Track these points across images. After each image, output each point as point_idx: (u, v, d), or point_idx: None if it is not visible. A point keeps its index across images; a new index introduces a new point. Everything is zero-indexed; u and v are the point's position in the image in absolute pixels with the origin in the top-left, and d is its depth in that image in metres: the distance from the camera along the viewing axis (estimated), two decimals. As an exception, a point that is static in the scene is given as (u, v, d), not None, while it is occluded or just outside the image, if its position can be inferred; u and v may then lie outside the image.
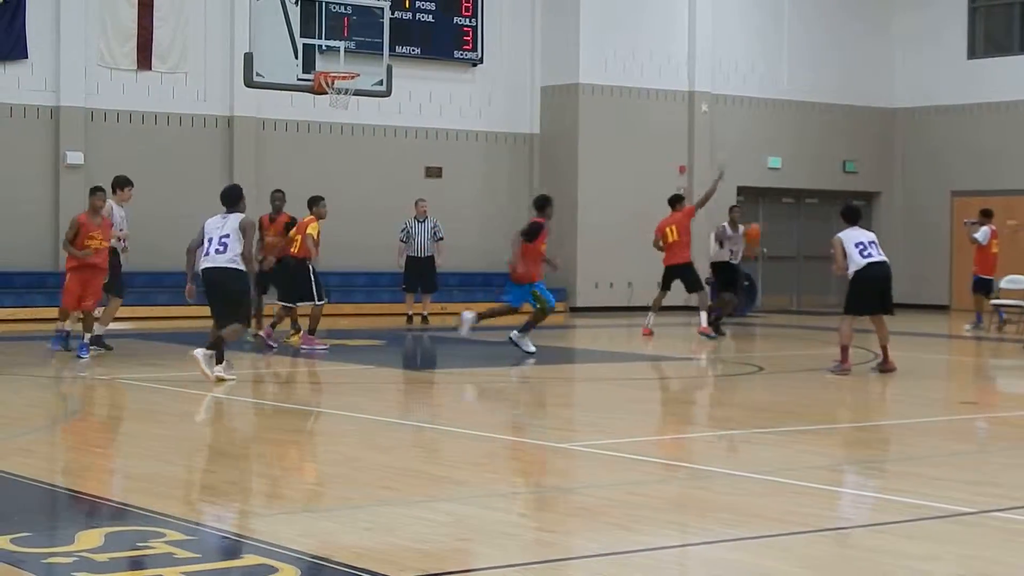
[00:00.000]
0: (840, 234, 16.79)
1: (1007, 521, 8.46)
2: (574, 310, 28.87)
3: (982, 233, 25.07)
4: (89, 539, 7.42)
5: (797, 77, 31.84)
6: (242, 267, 15.08)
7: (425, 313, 25.09)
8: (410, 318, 25.00)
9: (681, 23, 30.27)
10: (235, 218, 15.19)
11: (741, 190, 31.09)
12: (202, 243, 15.27)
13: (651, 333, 22.53)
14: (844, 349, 16.75)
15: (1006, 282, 25.15)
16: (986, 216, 25.44)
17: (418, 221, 25.21)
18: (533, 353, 18.86)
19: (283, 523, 8.14)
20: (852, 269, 16.59)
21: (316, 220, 19.85)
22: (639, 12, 29.81)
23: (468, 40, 29.06)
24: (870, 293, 16.63)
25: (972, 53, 32.25)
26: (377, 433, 12.37)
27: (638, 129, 29.70)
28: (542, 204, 19.65)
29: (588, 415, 13.96)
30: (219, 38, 26.69)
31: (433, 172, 28.84)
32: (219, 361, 14.87)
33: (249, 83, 21.48)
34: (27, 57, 25.32)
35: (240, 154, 26.99)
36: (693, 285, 22.45)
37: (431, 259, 25.08)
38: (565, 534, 8.08)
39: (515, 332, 19.33)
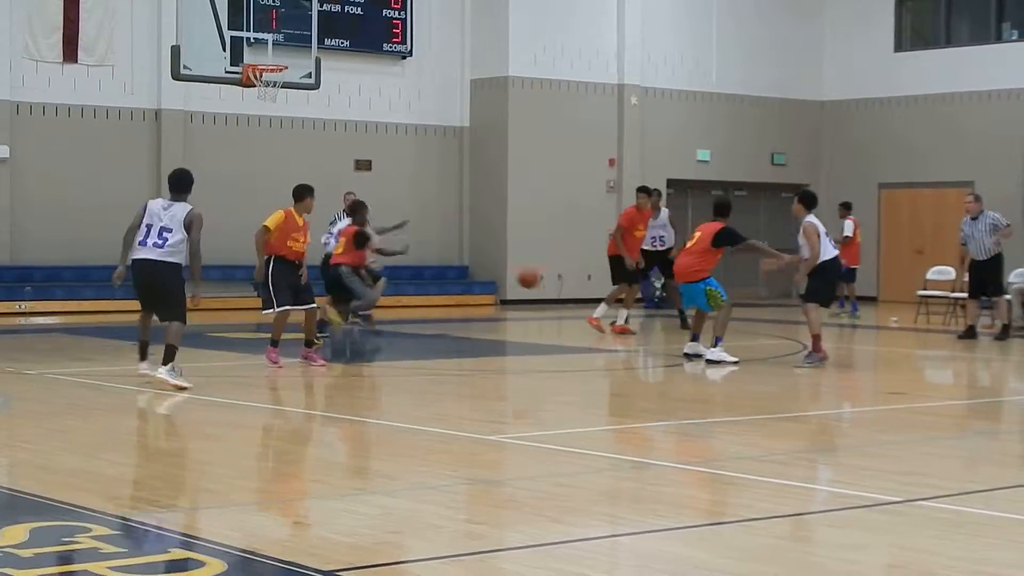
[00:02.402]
0: (810, 219, 16.80)
1: (934, 510, 8.53)
2: (504, 303, 28.88)
3: (847, 226, 25.72)
4: (14, 534, 7.33)
5: (726, 70, 31.98)
6: (179, 261, 14.08)
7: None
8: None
9: (610, 16, 30.33)
10: (181, 209, 14.09)
11: (671, 183, 31.19)
12: (139, 226, 14.11)
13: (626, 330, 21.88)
14: (817, 338, 16.75)
15: (933, 273, 25.38)
16: (846, 209, 26.12)
17: (346, 214, 25.07)
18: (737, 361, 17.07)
19: (211, 517, 8.08)
20: (823, 258, 16.65)
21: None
22: (568, 5, 29.84)
23: (397, 33, 28.99)
24: (833, 283, 16.87)
25: (899, 46, 32.50)
26: (307, 427, 12.32)
27: (568, 122, 29.74)
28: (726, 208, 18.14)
29: (518, 407, 13.95)
30: (146, 30, 26.48)
31: (363, 165, 28.76)
32: (164, 362, 14.54)
33: (177, 76, 21.36)
34: (-49, 50, 25.06)
35: (168, 147, 26.80)
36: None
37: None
38: (495, 526, 8.07)
39: (711, 350, 17.11)
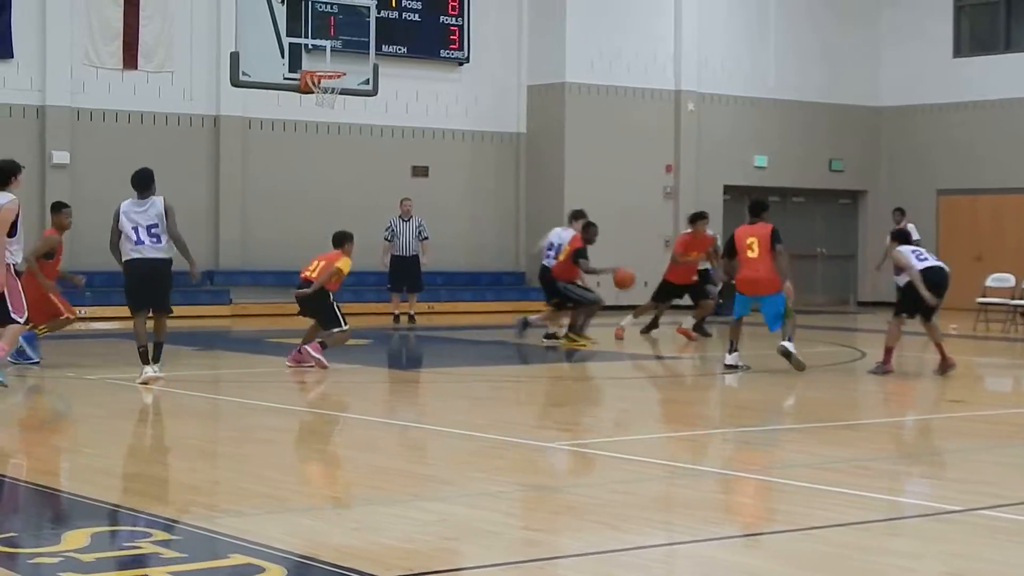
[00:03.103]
0: (898, 249, 17.14)
1: (993, 519, 8.48)
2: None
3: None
4: (75, 539, 7.40)
5: (783, 75, 31.88)
6: (171, 256, 14.82)
7: (412, 312, 25.06)
8: (396, 317, 24.99)
9: (667, 21, 30.29)
10: (157, 204, 14.71)
11: (727, 189, 31.15)
12: (120, 231, 14.72)
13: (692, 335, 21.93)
14: (889, 351, 16.63)
15: (992, 280, 25.21)
16: (901, 214, 26.47)
17: (403, 220, 25.18)
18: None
19: (270, 523, 8.13)
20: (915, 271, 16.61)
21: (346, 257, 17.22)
22: (625, 11, 29.82)
23: (454, 39, 29.07)
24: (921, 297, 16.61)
25: (958, 52, 32.30)
26: (364, 432, 12.37)
27: (624, 128, 29.72)
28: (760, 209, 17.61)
29: (575, 414, 13.96)
30: (205, 37, 26.67)
31: (420, 171, 28.84)
32: (155, 360, 14.85)
33: (235, 82, 21.47)
34: (13, 56, 25.31)
35: (226, 153, 26.98)
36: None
37: (416, 258, 25.03)
38: (551, 533, 8.08)
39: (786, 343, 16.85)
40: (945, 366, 16.52)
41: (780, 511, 8.79)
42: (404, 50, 28.45)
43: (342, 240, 17.06)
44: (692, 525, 8.36)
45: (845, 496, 9.07)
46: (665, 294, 21.99)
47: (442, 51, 29.02)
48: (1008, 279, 24.80)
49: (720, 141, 30.88)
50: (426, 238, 25.14)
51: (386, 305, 25.41)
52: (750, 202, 17.77)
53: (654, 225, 29.86)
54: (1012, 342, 21.53)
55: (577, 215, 21.29)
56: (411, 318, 24.93)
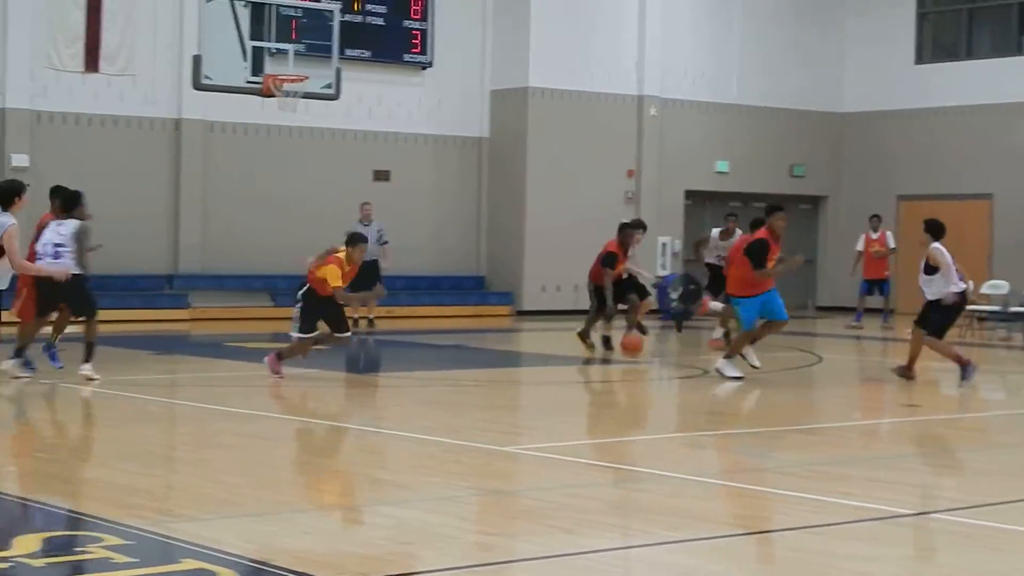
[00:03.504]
0: (937, 246, 16.40)
1: (948, 523, 8.52)
2: (520, 313, 28.89)
3: (860, 241, 26.39)
4: (26, 544, 7.35)
5: (747, 82, 31.96)
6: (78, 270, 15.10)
7: (371, 316, 25.01)
8: (355, 321, 24.95)
9: (631, 27, 30.32)
10: (72, 225, 15.20)
11: (689, 194, 31.21)
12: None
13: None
14: (912, 362, 16.40)
15: (987, 287, 25.25)
16: (878, 220, 26.26)
17: (363, 224, 25.13)
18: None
19: (224, 527, 8.10)
20: (954, 290, 16.22)
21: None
22: (589, 16, 29.85)
23: (417, 43, 29.03)
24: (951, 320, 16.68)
25: (920, 59, 32.45)
26: (321, 437, 12.34)
27: (587, 133, 29.74)
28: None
29: (531, 418, 13.96)
30: (167, 40, 26.55)
31: (381, 175, 28.78)
32: (87, 360, 14.94)
33: (198, 86, 21.42)
34: (-28, 59, 25.17)
35: (187, 157, 26.86)
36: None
37: (375, 263, 24.97)
38: (507, 537, 8.08)
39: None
40: (967, 370, 16.23)
41: (736, 515, 8.81)
42: (368, 54, 28.39)
43: (347, 242, 16.12)
44: (647, 529, 8.37)
45: (801, 500, 9.10)
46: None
47: (405, 55, 28.99)
48: (968, 285, 24.84)
49: (682, 146, 30.94)
50: (386, 243, 25.08)
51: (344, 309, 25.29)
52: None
53: (615, 230, 29.80)
54: (969, 347, 21.62)
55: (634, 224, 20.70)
56: (370, 322, 24.88)
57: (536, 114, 29.39)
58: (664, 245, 30.38)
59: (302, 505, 9.02)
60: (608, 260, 19.74)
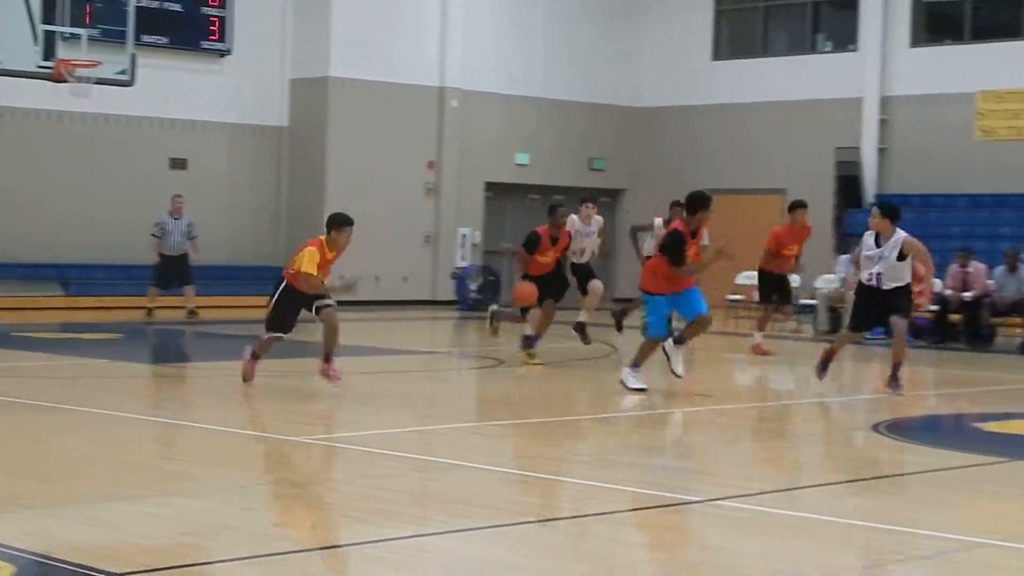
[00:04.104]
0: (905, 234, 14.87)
1: (733, 509, 8.66)
2: (320, 304, 28.68)
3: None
4: None
5: (548, 75, 32.16)
6: None
7: (191, 307, 24.60)
8: (150, 311, 24.62)
9: (434, 18, 30.31)
10: None
11: (489, 186, 31.32)
12: None
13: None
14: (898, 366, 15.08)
15: (742, 278, 25.75)
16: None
17: (173, 218, 24.81)
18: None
19: (5, 522, 7.89)
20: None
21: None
22: (391, 6, 29.76)
23: (216, 30, 28.66)
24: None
25: (717, 56, 33.01)
26: (112, 428, 12.11)
27: (388, 124, 29.66)
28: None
29: (328, 408, 13.88)
30: (-45, 22, 25.83)
31: (178, 163, 28.36)
32: None
33: (-15, 69, 20.91)
34: None
35: (-24, 142, 26.20)
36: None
37: (185, 256, 24.74)
38: (296, 527, 8.02)
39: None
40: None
41: (526, 503, 8.85)
42: (165, 40, 27.93)
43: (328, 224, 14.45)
44: (440, 518, 8.37)
45: (592, 488, 9.18)
46: (769, 289, 20.48)
47: (203, 42, 28.58)
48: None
49: (483, 138, 31.04)
50: (195, 237, 24.84)
51: (144, 299, 24.93)
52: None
53: (416, 221, 29.90)
54: (769, 338, 22.01)
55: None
56: (191, 312, 24.49)
57: (336, 104, 29.23)
58: (464, 236, 30.44)
59: (88, 497, 8.83)
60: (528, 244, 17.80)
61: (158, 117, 28.16)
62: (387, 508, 8.51)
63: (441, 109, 30.46)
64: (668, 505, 8.77)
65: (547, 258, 17.53)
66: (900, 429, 12.75)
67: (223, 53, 28.82)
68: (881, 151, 30.66)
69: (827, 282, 24.87)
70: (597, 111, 32.99)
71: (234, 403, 13.73)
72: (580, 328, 18.75)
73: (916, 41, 30.55)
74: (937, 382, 17.20)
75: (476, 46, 30.95)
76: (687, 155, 32.68)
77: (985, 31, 30.20)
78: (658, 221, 20.62)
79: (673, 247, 14.55)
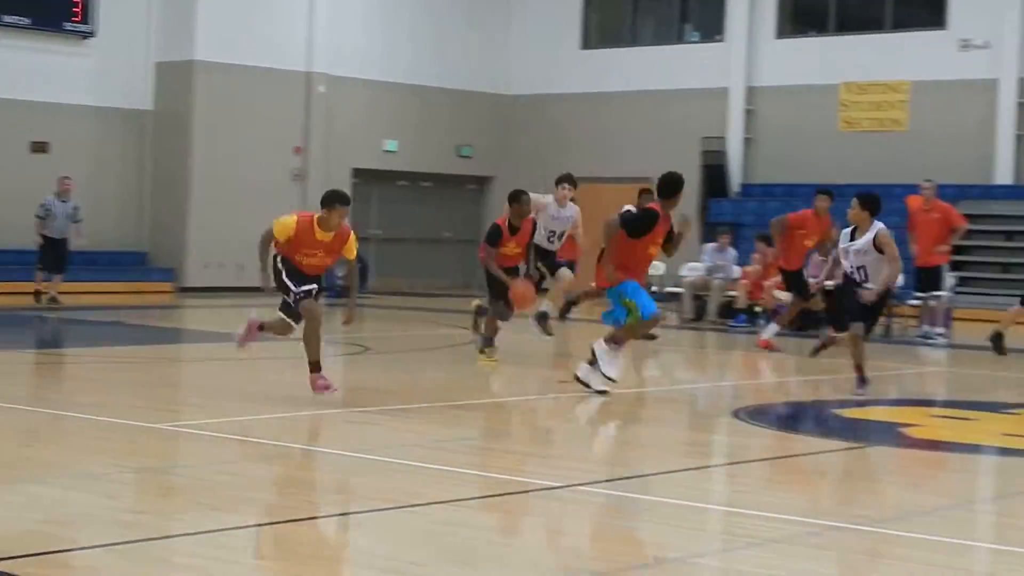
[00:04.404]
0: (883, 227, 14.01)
1: (591, 494, 8.72)
2: (183, 290, 28.45)
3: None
4: None
5: (416, 61, 32.10)
6: None
7: (54, 293, 24.18)
8: (37, 296, 24.16)
9: (301, 3, 30.11)
10: None
11: (357, 172, 31.20)
12: None
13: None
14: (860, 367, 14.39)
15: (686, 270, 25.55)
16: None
17: (60, 200, 24.36)
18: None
19: None
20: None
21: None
22: (258, -9, 29.54)
23: (79, 11, 28.20)
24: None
25: (586, 44, 33.17)
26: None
27: (254, 109, 29.44)
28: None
29: (187, 395, 13.77)
30: None
31: (39, 147, 27.89)
32: None
33: None
34: None
35: None
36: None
37: (65, 241, 24.30)
38: (152, 514, 7.93)
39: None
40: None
41: (387, 489, 8.83)
42: (27, 21, 27.44)
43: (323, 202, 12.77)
44: (297, 505, 8.34)
45: (451, 474, 9.19)
46: (789, 285, 19.72)
47: (66, 23, 28.13)
48: (699, 268, 25.18)
49: (351, 124, 30.91)
50: (79, 220, 24.43)
51: (26, 284, 24.46)
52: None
53: (282, 207, 29.18)
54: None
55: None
56: (52, 299, 24.05)
57: (202, 88, 28.95)
58: (331, 223, 30.24)
59: (-62, 484, 8.69)
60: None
61: (18, 99, 27.65)
62: (244, 495, 8.46)
63: (308, 94, 30.29)
64: (527, 491, 8.80)
65: (510, 250, 16.20)
66: (760, 415, 12.92)
67: (87, 35, 28.38)
68: (747, 141, 31.05)
69: (692, 270, 25.04)
70: (465, 98, 32.99)
71: (90, 389, 13.56)
72: (542, 318, 17.75)
73: (782, 32, 30.96)
74: (801, 369, 17.42)
75: (344, 31, 30.81)
76: (555, 143, 32.81)
77: (849, 23, 30.68)
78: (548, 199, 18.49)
79: (642, 221, 13.59)
